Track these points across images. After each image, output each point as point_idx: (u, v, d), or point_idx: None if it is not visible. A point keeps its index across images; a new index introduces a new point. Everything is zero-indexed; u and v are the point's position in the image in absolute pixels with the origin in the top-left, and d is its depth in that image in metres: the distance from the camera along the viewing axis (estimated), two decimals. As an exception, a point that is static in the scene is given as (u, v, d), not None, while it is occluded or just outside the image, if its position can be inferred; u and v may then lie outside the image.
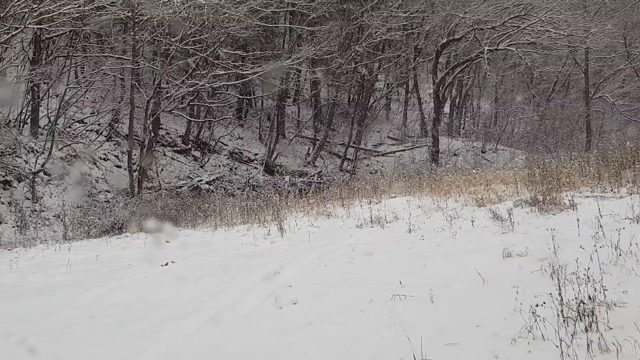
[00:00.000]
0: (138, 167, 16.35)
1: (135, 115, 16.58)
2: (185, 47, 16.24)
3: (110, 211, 12.31)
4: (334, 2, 18.98)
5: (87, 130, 17.97)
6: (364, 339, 3.83)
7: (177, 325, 4.52)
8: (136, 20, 15.10)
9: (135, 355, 4.03)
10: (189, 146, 20.82)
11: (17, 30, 12.55)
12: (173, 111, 19.53)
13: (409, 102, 28.45)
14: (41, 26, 13.84)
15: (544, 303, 3.57)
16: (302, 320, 4.28)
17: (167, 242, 9.25)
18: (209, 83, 17.17)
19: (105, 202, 14.97)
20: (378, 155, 24.36)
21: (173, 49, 16.21)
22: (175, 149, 20.38)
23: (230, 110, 23.13)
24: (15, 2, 11.91)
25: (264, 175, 20.70)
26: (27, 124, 16.28)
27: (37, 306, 5.57)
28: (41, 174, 14.68)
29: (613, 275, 4.13)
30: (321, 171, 21.54)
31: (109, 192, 16.16)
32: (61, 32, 15.93)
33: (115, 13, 14.31)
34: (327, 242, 7.35)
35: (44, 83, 16.32)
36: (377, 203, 9.78)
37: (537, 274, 4.49)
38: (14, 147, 14.81)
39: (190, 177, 19.02)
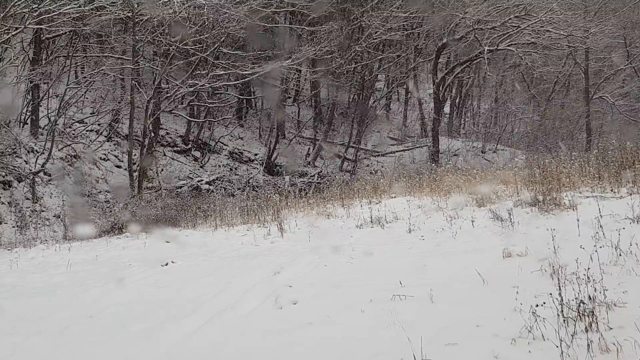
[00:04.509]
0: (138, 168, 16.35)
1: (135, 116, 16.58)
2: (185, 47, 16.24)
3: (110, 211, 12.31)
4: (334, 2, 18.98)
5: (87, 131, 17.97)
6: (364, 339, 3.83)
7: (177, 325, 4.52)
8: (136, 20, 15.10)
9: (135, 355, 4.03)
10: (189, 146, 20.82)
11: (17, 31, 12.56)
12: (173, 111, 19.53)
13: (409, 102, 28.45)
14: (41, 26, 13.83)
15: (544, 303, 3.57)
16: (302, 320, 4.28)
17: (167, 242, 9.26)
18: (209, 83, 17.17)
19: (105, 202, 14.97)
20: (378, 155, 24.34)
21: (173, 49, 16.21)
22: (175, 149, 20.38)
23: (230, 110, 23.13)
24: (15, 2, 11.91)
25: (264, 175, 20.70)
26: (27, 124, 16.28)
27: (37, 306, 5.57)
28: (41, 174, 14.68)
29: (613, 275, 4.13)
30: (321, 171, 21.54)
31: (109, 192, 16.15)
32: (61, 32, 15.92)
33: (115, 13, 14.30)
34: (327, 242, 7.35)
35: (44, 83, 16.31)
36: (377, 203, 9.78)
37: (537, 274, 4.48)
38: (14, 147, 14.81)
39: (190, 177, 19.01)
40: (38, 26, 13.62)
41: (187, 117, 20.26)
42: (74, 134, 17.21)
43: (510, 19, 17.53)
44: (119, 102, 19.07)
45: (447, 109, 27.40)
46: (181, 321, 4.60)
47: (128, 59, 16.66)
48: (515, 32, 17.84)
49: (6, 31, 12.23)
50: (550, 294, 3.64)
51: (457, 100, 28.73)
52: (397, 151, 24.42)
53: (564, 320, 3.49)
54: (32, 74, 15.08)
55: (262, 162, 21.36)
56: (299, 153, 23.02)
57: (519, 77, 27.14)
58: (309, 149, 23.41)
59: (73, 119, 17.89)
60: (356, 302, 4.46)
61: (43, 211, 13.79)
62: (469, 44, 20.19)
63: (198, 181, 18.52)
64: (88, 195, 15.47)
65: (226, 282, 5.71)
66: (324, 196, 11.48)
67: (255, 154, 22.10)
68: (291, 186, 16.96)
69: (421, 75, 27.45)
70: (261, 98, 24.07)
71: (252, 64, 18.56)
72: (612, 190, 7.30)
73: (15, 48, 14.91)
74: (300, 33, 20.70)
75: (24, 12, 12.20)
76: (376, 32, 20.26)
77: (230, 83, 20.25)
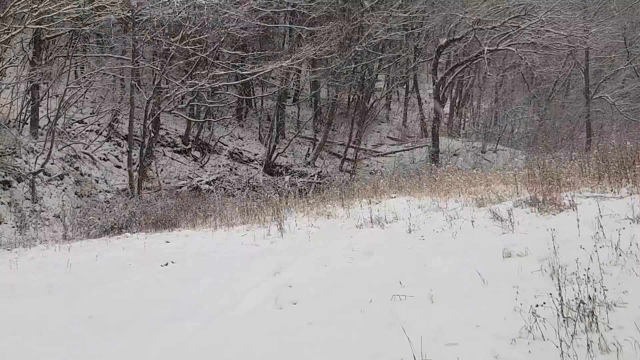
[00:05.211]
0: (138, 168, 16.35)
1: (135, 116, 16.59)
2: (185, 47, 16.24)
3: (110, 211, 12.30)
4: (334, 2, 18.98)
5: (87, 131, 17.97)
6: (364, 339, 3.83)
7: (177, 325, 4.52)
8: (136, 20, 15.10)
9: (135, 355, 4.03)
10: (189, 146, 20.82)
11: (17, 31, 12.55)
12: (173, 111, 19.54)
13: (409, 102, 28.48)
14: (41, 26, 13.83)
15: (544, 303, 3.57)
16: (302, 320, 4.28)
17: (167, 242, 9.25)
18: (208, 83, 17.17)
19: (105, 202, 14.95)
20: (378, 156, 24.35)
21: (173, 49, 16.21)
22: (175, 149, 20.39)
23: (230, 110, 23.14)
24: (15, 2, 11.91)
25: (264, 175, 20.70)
26: (27, 124, 16.28)
27: (37, 306, 5.57)
28: (41, 174, 14.67)
29: (613, 275, 4.12)
30: (321, 171, 21.54)
31: (109, 192, 16.15)
32: (61, 32, 15.91)
33: (115, 13, 14.30)
34: (327, 243, 7.35)
35: (44, 83, 16.30)
36: (377, 203, 9.77)
37: (537, 274, 4.48)
38: (14, 147, 14.80)
39: (190, 177, 19.02)
40: (38, 26, 13.61)
41: (187, 117, 20.27)
42: (73, 134, 17.21)
43: (510, 19, 17.56)
44: (118, 102, 19.07)
45: (447, 109, 27.41)
46: (181, 321, 4.60)
47: (128, 59, 16.66)
48: (515, 32, 17.85)
49: (6, 31, 12.22)
50: (550, 294, 3.64)
51: (457, 100, 28.75)
52: (397, 151, 24.43)
53: (564, 320, 3.49)
54: (32, 74, 15.07)
55: (262, 162, 21.36)
56: (299, 153, 23.03)
57: (519, 77, 27.15)
58: (309, 149, 23.42)
59: (73, 119, 17.89)
60: (356, 302, 4.46)
61: (43, 211, 13.78)
62: (469, 44, 20.22)
63: (198, 181, 18.52)
64: (88, 195, 15.46)
65: (226, 282, 5.71)
66: (323, 196, 11.46)
67: (255, 154, 22.11)
68: (291, 186, 16.96)
69: (421, 75, 27.47)
70: (261, 98, 24.08)
71: (252, 64, 18.57)
72: (612, 190, 7.29)
73: (15, 48, 14.91)
74: (300, 33, 20.70)
75: (24, 12, 12.20)
76: (376, 32, 20.26)
77: (230, 83, 20.26)
